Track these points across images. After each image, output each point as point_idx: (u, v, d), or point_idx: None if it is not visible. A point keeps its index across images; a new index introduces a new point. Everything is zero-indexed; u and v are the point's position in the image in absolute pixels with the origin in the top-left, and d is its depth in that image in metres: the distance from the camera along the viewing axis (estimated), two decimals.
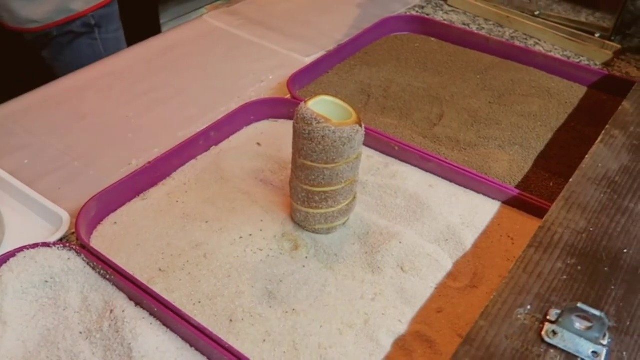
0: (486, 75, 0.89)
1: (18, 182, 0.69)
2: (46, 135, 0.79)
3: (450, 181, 0.70)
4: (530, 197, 0.64)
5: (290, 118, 0.80)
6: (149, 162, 0.69)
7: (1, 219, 0.64)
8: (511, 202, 0.66)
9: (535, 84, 0.86)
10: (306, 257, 0.61)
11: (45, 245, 0.59)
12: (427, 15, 1.09)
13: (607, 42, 0.98)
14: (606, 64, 0.96)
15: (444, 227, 0.63)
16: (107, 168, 0.74)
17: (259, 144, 0.76)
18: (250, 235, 0.63)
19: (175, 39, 1.00)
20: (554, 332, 0.43)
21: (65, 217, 0.64)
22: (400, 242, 0.61)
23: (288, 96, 0.83)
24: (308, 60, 0.93)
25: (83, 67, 0.93)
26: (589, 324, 0.42)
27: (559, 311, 0.44)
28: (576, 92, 0.85)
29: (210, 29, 1.03)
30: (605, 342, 0.43)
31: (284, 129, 0.79)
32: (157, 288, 0.56)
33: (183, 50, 0.97)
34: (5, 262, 0.57)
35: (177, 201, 0.67)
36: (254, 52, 0.97)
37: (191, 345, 0.52)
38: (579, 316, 0.42)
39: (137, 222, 0.65)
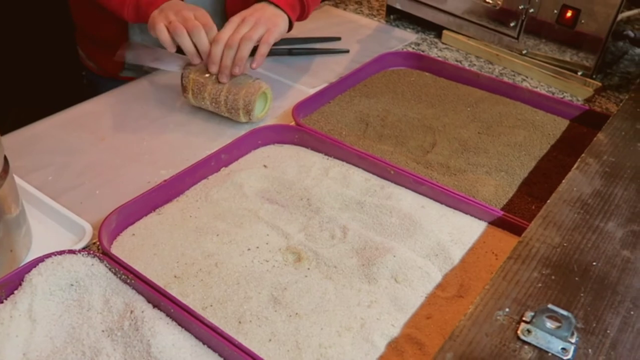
0: (476, 108, 0.96)
1: (44, 196, 0.75)
2: (69, 155, 0.85)
3: (441, 203, 0.76)
4: (513, 218, 0.71)
5: (295, 143, 0.87)
6: (165, 181, 0.76)
7: (29, 228, 0.70)
8: (496, 223, 0.72)
9: (521, 117, 0.93)
10: (308, 268, 0.67)
11: (71, 252, 0.65)
12: (423, 51, 1.17)
13: (589, 79, 1.05)
14: (588, 100, 1.04)
15: (435, 244, 0.69)
16: (125, 185, 0.80)
17: (265, 166, 0.82)
18: (257, 247, 0.69)
19: None
20: (529, 331, 0.49)
21: (88, 228, 0.70)
22: (394, 256, 0.66)
23: (292, 123, 0.90)
24: (313, 91, 1.00)
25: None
26: (558, 324, 0.48)
27: (533, 313, 0.49)
28: (559, 125, 0.92)
29: None
30: (573, 340, 0.48)
31: (288, 153, 0.85)
32: (173, 292, 0.62)
33: None
34: (35, 266, 0.63)
35: (191, 216, 0.73)
36: None
37: (204, 343, 0.57)
38: (550, 317, 0.48)
39: (153, 234, 0.71)
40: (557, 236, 0.58)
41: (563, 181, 0.66)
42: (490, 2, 1.18)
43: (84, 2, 1.10)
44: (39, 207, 0.75)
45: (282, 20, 0.93)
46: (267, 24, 0.90)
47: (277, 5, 0.93)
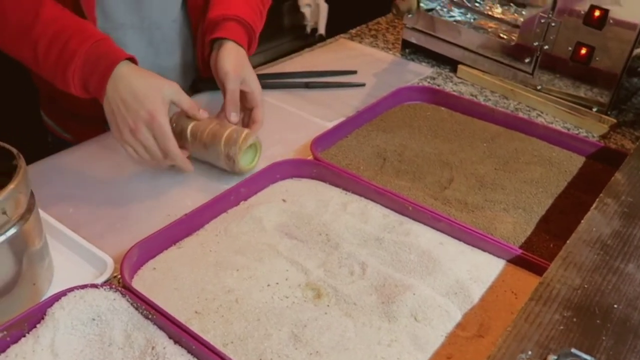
0: (492, 144, 0.97)
1: (66, 228, 0.76)
2: (89, 187, 0.86)
3: (459, 240, 0.76)
4: (532, 256, 0.71)
5: (313, 177, 0.88)
6: (185, 215, 0.76)
7: (51, 261, 0.71)
8: (515, 261, 0.72)
9: (538, 153, 0.94)
10: (328, 305, 0.67)
11: (94, 286, 0.65)
12: (438, 86, 1.18)
13: (604, 116, 1.06)
14: (603, 136, 1.04)
15: (454, 282, 0.69)
16: (145, 218, 0.81)
17: (284, 200, 0.83)
18: (277, 283, 0.70)
19: (205, 98, 1.09)
20: None
21: (110, 262, 0.71)
22: (413, 294, 0.67)
23: (310, 157, 0.91)
24: (330, 125, 1.02)
25: None
26: None
27: (556, 357, 0.49)
28: (575, 162, 0.93)
29: None
30: None
31: (307, 187, 0.86)
32: (194, 328, 0.62)
33: (211, 111, 1.05)
34: (58, 300, 0.64)
35: (210, 250, 0.74)
36: (278, 115, 1.05)
37: None
38: None
39: (174, 268, 0.71)
40: (578, 277, 0.58)
41: (582, 221, 0.67)
42: (505, 37, 1.19)
43: None
44: (61, 240, 0.76)
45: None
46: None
47: (239, 44, 0.92)
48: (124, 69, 0.78)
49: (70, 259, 0.74)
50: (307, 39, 2.63)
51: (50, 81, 0.83)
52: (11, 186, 0.60)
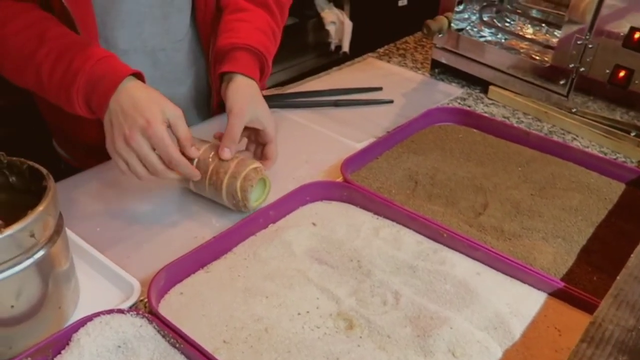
0: (527, 168, 0.94)
1: (92, 248, 0.75)
2: (116, 205, 0.85)
3: (497, 270, 0.73)
4: (575, 290, 0.68)
5: (343, 200, 0.86)
6: (214, 238, 0.74)
7: (77, 283, 0.69)
8: (557, 294, 0.69)
9: (575, 179, 0.91)
10: (360, 337, 0.65)
11: (120, 311, 0.64)
12: (469, 107, 1.16)
13: None
14: None
15: (493, 315, 0.66)
16: (171, 239, 0.79)
17: (314, 224, 0.80)
18: (308, 312, 0.67)
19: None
20: None
21: (136, 286, 0.69)
22: (451, 328, 0.64)
23: (340, 179, 0.89)
24: (359, 145, 0.99)
25: None
26: None
27: None
28: (614, 189, 0.89)
29: None
30: None
31: (337, 210, 0.84)
32: (222, 359, 0.60)
33: None
34: (83, 325, 0.62)
35: (239, 275, 0.72)
36: (306, 135, 1.03)
37: None
38: None
39: (201, 293, 0.69)
40: (632, 318, 0.55)
41: (632, 256, 0.63)
42: (538, 58, 1.17)
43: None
44: (87, 260, 0.74)
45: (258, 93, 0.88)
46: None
47: (249, 76, 0.87)
48: (129, 84, 0.76)
49: (96, 281, 0.72)
50: (331, 57, 2.62)
51: (56, 103, 0.80)
52: (40, 208, 0.58)
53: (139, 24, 0.92)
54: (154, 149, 0.75)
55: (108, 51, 0.80)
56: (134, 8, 0.90)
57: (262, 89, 0.91)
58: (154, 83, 0.82)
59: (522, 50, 1.21)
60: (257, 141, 0.89)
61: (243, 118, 0.82)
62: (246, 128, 0.83)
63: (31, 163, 0.65)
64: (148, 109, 0.74)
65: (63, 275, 0.65)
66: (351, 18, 2.60)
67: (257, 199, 0.83)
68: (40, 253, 0.59)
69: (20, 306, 0.59)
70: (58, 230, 0.62)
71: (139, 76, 0.79)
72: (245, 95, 0.85)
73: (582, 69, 1.06)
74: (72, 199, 0.85)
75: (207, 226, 0.81)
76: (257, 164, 0.81)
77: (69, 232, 0.76)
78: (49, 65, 0.77)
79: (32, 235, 0.57)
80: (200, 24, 0.98)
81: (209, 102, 1.08)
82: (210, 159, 0.80)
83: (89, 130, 0.94)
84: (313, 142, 1.02)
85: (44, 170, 0.64)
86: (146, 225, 0.81)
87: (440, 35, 1.22)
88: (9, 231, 0.55)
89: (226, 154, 0.80)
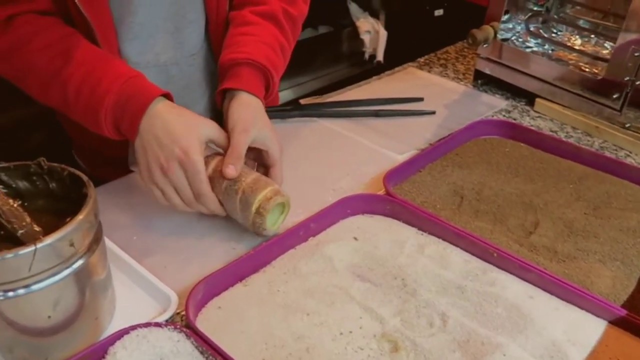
0: (580, 186, 0.89)
1: (129, 258, 0.73)
2: (153, 213, 0.83)
3: (551, 294, 0.69)
4: (639, 319, 0.63)
5: (386, 214, 0.82)
6: (253, 250, 0.72)
7: (113, 293, 0.67)
8: (618, 322, 0.64)
9: (632, 198, 0.86)
10: None
11: (157, 325, 0.61)
12: (514, 120, 1.11)
13: None
14: None
15: (549, 343, 0.62)
16: (209, 250, 0.77)
17: (355, 238, 0.77)
18: (351, 332, 0.64)
19: None
20: None
21: (174, 298, 0.67)
22: (504, 355, 0.60)
23: (382, 192, 0.86)
24: (401, 157, 0.96)
25: None
26: None
27: None
28: None
29: (303, 119, 1.08)
30: None
31: (379, 225, 0.80)
32: None
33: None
34: (120, 338, 0.60)
35: (278, 290, 0.69)
36: (347, 146, 1.00)
37: None
38: None
39: (240, 308, 0.67)
40: None
41: None
42: (587, 70, 1.12)
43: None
44: (124, 270, 0.72)
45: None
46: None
47: (253, 94, 0.82)
48: (159, 106, 0.73)
49: (133, 292, 0.70)
50: (365, 66, 2.60)
51: (82, 124, 0.78)
52: (80, 217, 0.56)
53: (151, 37, 0.88)
54: None
55: (135, 70, 0.77)
56: (146, 20, 0.86)
57: (267, 106, 0.87)
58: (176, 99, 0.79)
59: (570, 62, 1.16)
60: (261, 164, 0.83)
61: (248, 134, 0.77)
62: (250, 149, 0.78)
63: (72, 170, 0.63)
64: (184, 138, 0.72)
65: (100, 285, 0.63)
66: (386, 27, 2.58)
67: (275, 222, 0.77)
68: (79, 262, 0.58)
69: (57, 317, 0.58)
70: (97, 239, 0.61)
71: (167, 97, 0.76)
72: (248, 113, 0.79)
73: (637, 82, 1.01)
74: (109, 206, 0.84)
75: (245, 238, 0.79)
76: (269, 188, 0.75)
77: (107, 241, 0.74)
78: (76, 85, 0.75)
79: (72, 245, 0.56)
80: (212, 37, 0.94)
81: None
82: (220, 177, 0.76)
83: (110, 144, 0.93)
84: (353, 152, 0.99)
85: (85, 177, 0.62)
86: (183, 235, 0.79)
87: (485, 46, 1.18)
88: (48, 240, 0.54)
89: (231, 171, 0.74)
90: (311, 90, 2.46)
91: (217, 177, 0.76)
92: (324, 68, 2.52)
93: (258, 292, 0.69)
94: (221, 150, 0.78)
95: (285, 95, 2.38)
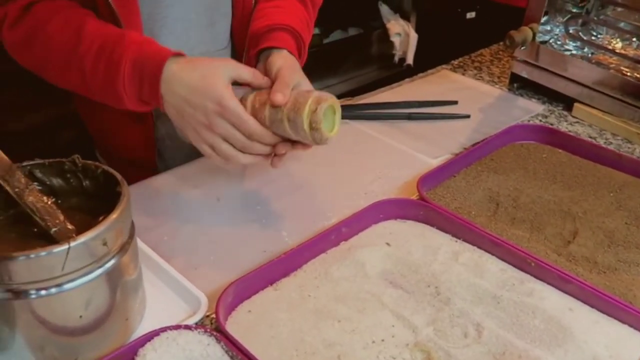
0: (620, 194, 0.86)
1: (160, 258, 0.73)
2: (184, 214, 0.83)
3: (592, 306, 0.66)
4: None
5: (419, 220, 0.81)
6: (284, 254, 0.71)
7: (144, 293, 0.67)
8: None
9: None
10: None
11: (187, 327, 0.61)
12: (551, 125, 1.08)
13: None
14: None
15: (590, 358, 0.60)
16: (240, 252, 0.76)
17: (388, 244, 0.76)
18: (383, 340, 0.63)
19: None
20: None
21: (204, 301, 0.66)
22: None
23: (415, 196, 0.84)
24: (434, 161, 0.94)
25: None
26: None
27: None
28: None
29: None
30: None
31: (412, 230, 0.79)
32: None
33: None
34: (150, 340, 0.59)
35: (309, 295, 0.68)
36: (379, 149, 0.99)
37: None
38: None
39: (270, 312, 0.66)
40: None
41: None
42: (629, 74, 1.09)
43: (99, 115, 0.96)
44: (154, 271, 0.72)
45: None
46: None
47: (290, 52, 0.80)
48: (172, 67, 0.71)
49: (163, 293, 0.70)
50: (394, 69, 2.57)
51: (103, 101, 0.78)
52: (113, 216, 0.56)
53: (185, 31, 0.88)
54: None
55: (145, 36, 0.77)
56: (180, 15, 0.86)
57: None
58: None
59: (611, 66, 1.13)
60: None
61: (295, 73, 0.75)
62: None
63: (106, 167, 0.63)
64: (210, 90, 0.70)
65: (131, 285, 0.62)
66: (417, 30, 2.55)
67: (332, 127, 0.72)
68: (111, 262, 0.57)
69: (88, 316, 0.57)
70: (129, 239, 0.60)
71: (180, 56, 0.74)
72: (292, 61, 0.78)
73: None
74: (140, 206, 0.83)
75: (277, 240, 0.78)
76: (310, 100, 0.69)
77: (138, 241, 0.74)
78: (91, 60, 0.74)
79: (105, 244, 0.55)
80: (235, 32, 0.94)
81: None
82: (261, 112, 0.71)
83: (132, 146, 0.93)
84: (386, 156, 0.97)
85: (119, 176, 0.62)
86: (214, 237, 0.79)
87: (522, 48, 1.15)
88: (81, 239, 0.53)
89: (279, 98, 0.70)
90: (341, 92, 2.44)
91: (258, 114, 0.72)
92: (353, 70, 2.51)
93: (289, 296, 0.68)
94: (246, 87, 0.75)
95: None
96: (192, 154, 0.91)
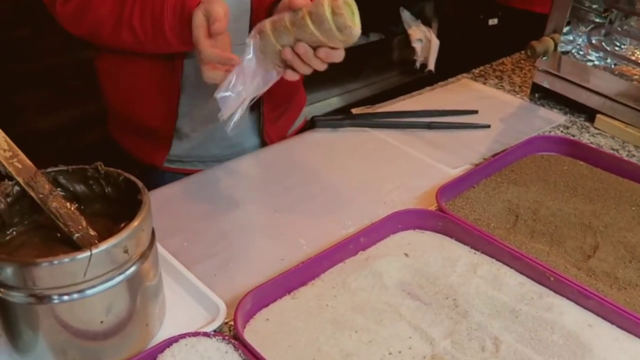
0: None
1: (180, 265, 0.74)
2: (203, 220, 0.84)
3: (612, 323, 0.66)
4: None
5: (437, 231, 0.81)
6: (302, 263, 0.71)
7: (164, 299, 0.68)
8: None
9: None
10: None
11: (206, 335, 0.61)
12: (573, 136, 1.08)
13: None
14: None
15: None
16: (258, 260, 0.77)
17: (406, 254, 0.76)
18: (400, 352, 0.63)
19: (321, 136, 1.05)
20: None
21: (222, 308, 0.67)
22: None
23: (434, 206, 0.84)
24: (453, 172, 0.94)
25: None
26: None
27: None
28: None
29: (355, 129, 1.07)
30: None
31: (431, 241, 0.79)
32: None
33: (328, 148, 1.01)
34: (169, 346, 0.60)
35: (327, 305, 0.68)
36: (399, 158, 0.99)
37: None
38: None
39: (288, 321, 0.66)
40: None
41: None
42: None
43: (124, 84, 0.99)
44: (174, 276, 0.73)
45: None
46: None
47: None
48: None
49: (183, 299, 0.70)
50: (415, 74, 2.57)
51: (156, 51, 0.86)
52: (135, 223, 0.57)
53: None
54: None
55: None
56: None
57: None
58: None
59: (634, 77, 1.12)
60: None
61: None
62: None
63: (127, 175, 0.64)
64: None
65: (151, 291, 0.63)
66: (438, 36, 2.54)
67: (354, 21, 0.69)
68: (132, 269, 0.58)
69: (109, 322, 0.58)
70: (150, 246, 0.61)
71: None
72: None
73: None
74: (160, 212, 0.84)
75: (295, 248, 0.78)
76: None
77: (159, 247, 0.75)
78: (138, 18, 0.82)
79: (126, 251, 0.56)
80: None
81: (259, 129, 1.04)
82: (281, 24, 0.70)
83: (154, 111, 0.97)
84: (405, 165, 0.97)
85: (140, 183, 0.63)
86: (233, 243, 0.79)
87: (544, 58, 1.15)
88: (103, 246, 0.54)
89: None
90: (361, 98, 2.44)
91: (281, 27, 0.70)
92: (374, 75, 2.51)
93: (306, 305, 0.68)
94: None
95: (335, 102, 2.38)
96: (208, 126, 0.97)
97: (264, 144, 1.05)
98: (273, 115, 1.04)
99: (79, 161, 0.68)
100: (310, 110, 2.31)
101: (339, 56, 0.73)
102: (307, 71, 0.74)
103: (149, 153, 1.03)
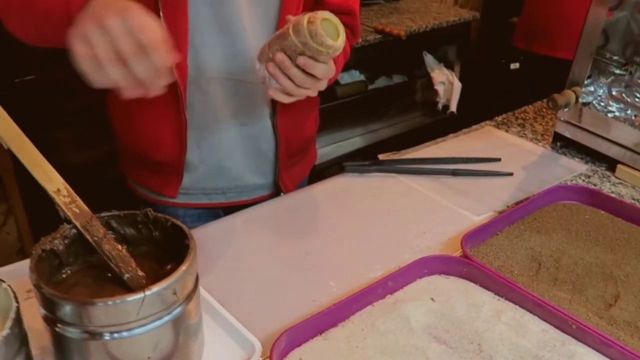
0: None
1: (217, 303, 0.78)
2: (237, 261, 0.88)
3: None
4: None
5: (462, 277, 0.84)
6: (334, 305, 0.75)
7: (203, 337, 0.72)
8: None
9: None
10: None
11: None
12: (594, 185, 1.11)
13: None
14: None
15: None
16: (290, 300, 0.81)
17: (432, 299, 0.79)
18: None
19: (349, 180, 1.09)
20: None
21: (258, 347, 0.71)
22: None
23: (459, 252, 0.88)
24: (477, 218, 0.98)
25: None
26: None
27: None
28: None
29: (382, 175, 1.11)
30: None
31: (456, 286, 0.82)
32: None
33: (356, 192, 1.06)
34: None
35: (357, 346, 0.72)
36: (425, 204, 1.03)
37: None
38: None
39: None
40: None
41: None
42: None
43: (133, 119, 0.99)
44: (212, 315, 0.77)
45: None
46: None
47: None
48: None
49: (219, 337, 0.74)
50: (437, 116, 2.62)
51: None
52: (183, 267, 0.62)
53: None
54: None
55: None
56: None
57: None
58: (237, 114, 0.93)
59: None
60: None
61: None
62: None
63: (175, 221, 0.69)
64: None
65: (193, 329, 0.67)
66: (461, 79, 2.60)
67: (336, 37, 0.75)
68: (178, 309, 0.63)
69: (155, 357, 0.62)
70: (195, 288, 0.66)
71: None
72: None
73: None
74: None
75: (325, 289, 0.82)
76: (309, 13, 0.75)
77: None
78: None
79: (175, 293, 0.61)
80: None
81: (274, 174, 1.08)
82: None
83: (162, 140, 0.98)
84: (430, 211, 1.01)
85: (187, 230, 0.67)
86: (266, 283, 0.84)
87: (566, 110, 1.19)
88: (155, 288, 0.59)
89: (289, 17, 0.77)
90: (384, 138, 2.50)
91: (274, 38, 0.78)
92: (397, 116, 2.57)
93: (337, 346, 0.72)
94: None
95: (358, 142, 2.44)
96: (217, 156, 1.00)
97: (277, 187, 1.09)
98: (289, 163, 1.08)
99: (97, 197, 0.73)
100: (334, 149, 2.38)
101: (320, 70, 0.77)
102: (287, 85, 0.78)
103: (160, 185, 1.04)
